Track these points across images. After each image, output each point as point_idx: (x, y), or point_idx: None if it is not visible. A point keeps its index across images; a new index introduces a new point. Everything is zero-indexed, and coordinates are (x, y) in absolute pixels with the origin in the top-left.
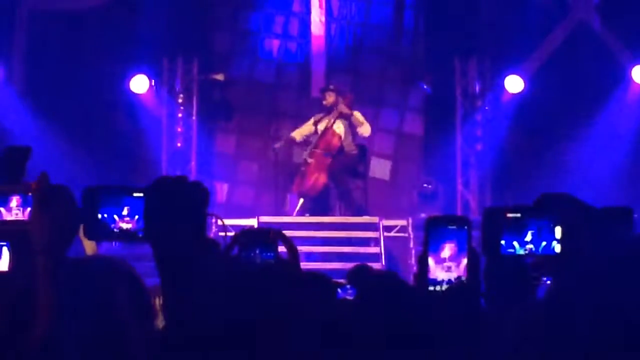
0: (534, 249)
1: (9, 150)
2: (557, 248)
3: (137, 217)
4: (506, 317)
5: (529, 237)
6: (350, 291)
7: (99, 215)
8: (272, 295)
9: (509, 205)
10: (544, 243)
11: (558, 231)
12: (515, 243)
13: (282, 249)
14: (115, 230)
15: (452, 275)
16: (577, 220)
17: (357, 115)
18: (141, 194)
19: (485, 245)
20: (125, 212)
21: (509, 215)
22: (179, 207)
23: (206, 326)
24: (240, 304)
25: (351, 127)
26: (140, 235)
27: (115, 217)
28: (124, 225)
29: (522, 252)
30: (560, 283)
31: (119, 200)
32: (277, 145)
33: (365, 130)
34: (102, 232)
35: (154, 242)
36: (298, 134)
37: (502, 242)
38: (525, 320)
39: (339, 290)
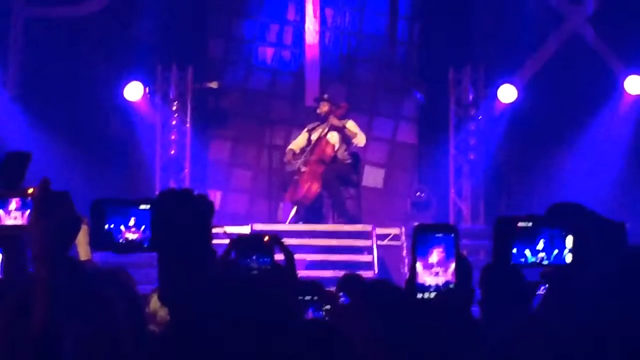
0: (545, 257)
1: (9, 155)
2: (569, 258)
3: (143, 227)
4: (502, 326)
5: (540, 246)
6: (342, 299)
7: (106, 226)
8: (269, 301)
9: (513, 214)
10: (556, 251)
11: (569, 241)
12: (527, 251)
13: (279, 256)
14: (121, 240)
15: (440, 280)
16: (588, 230)
17: (350, 126)
18: (147, 206)
19: (496, 254)
20: (131, 222)
21: (520, 224)
22: (185, 219)
23: (206, 331)
24: (238, 309)
25: (345, 137)
26: (146, 246)
27: (122, 227)
28: (130, 236)
29: (533, 260)
30: (571, 293)
31: (126, 211)
32: (288, 158)
33: (359, 140)
34: (108, 242)
35: (160, 253)
36: (295, 146)
37: (515, 250)
38: (521, 329)
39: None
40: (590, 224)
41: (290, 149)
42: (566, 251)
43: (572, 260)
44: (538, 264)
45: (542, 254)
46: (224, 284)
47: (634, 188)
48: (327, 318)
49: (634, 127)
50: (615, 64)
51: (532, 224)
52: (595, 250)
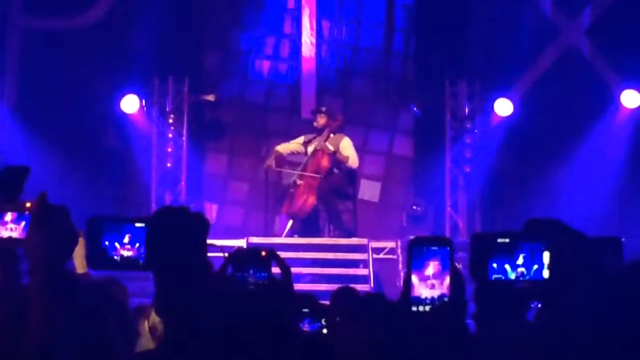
0: (525, 272)
1: (7, 169)
2: (545, 273)
3: (137, 244)
4: (497, 340)
5: (520, 261)
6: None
7: (101, 243)
8: (266, 316)
9: (497, 229)
10: (535, 266)
11: (546, 256)
12: (507, 266)
13: (275, 270)
14: (116, 257)
15: (436, 293)
16: (564, 245)
17: (343, 147)
18: (143, 224)
19: (472, 270)
20: (126, 239)
21: (499, 240)
22: (180, 237)
23: (203, 344)
24: (235, 323)
25: (337, 162)
26: (141, 262)
27: (117, 244)
28: (125, 253)
29: (513, 275)
30: (552, 309)
31: (121, 228)
32: (268, 163)
33: (352, 163)
34: (104, 260)
35: (155, 271)
36: (284, 149)
37: (494, 265)
38: (516, 343)
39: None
40: (566, 239)
41: (278, 151)
42: (545, 266)
43: (549, 276)
44: (518, 280)
45: (521, 269)
46: (221, 299)
47: (630, 201)
48: (324, 330)
49: (630, 140)
50: (612, 78)
51: (510, 240)
52: (572, 266)
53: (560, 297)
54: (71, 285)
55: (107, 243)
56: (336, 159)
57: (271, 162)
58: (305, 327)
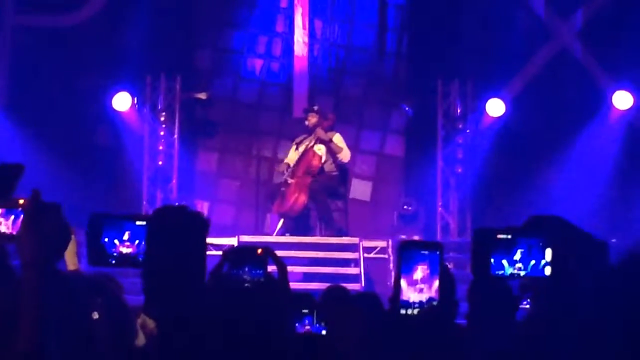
0: (523, 268)
1: (0, 167)
2: (547, 270)
3: (137, 242)
4: (489, 338)
5: (518, 256)
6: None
7: (101, 240)
8: (262, 313)
9: (496, 226)
10: (532, 262)
11: (548, 253)
12: (504, 262)
13: (271, 268)
14: (115, 254)
15: (424, 297)
16: (566, 242)
17: (336, 141)
18: (143, 222)
19: (475, 266)
20: (126, 237)
21: (499, 236)
22: (181, 236)
23: (197, 341)
24: (231, 321)
25: (330, 151)
26: (141, 260)
27: (116, 241)
28: (125, 250)
29: (511, 270)
30: (543, 307)
31: (121, 225)
32: (280, 169)
33: (344, 156)
34: (103, 257)
35: (154, 269)
36: (290, 161)
37: (492, 260)
38: (507, 341)
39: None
40: (568, 236)
41: (286, 162)
42: (543, 262)
43: (551, 273)
44: (516, 275)
45: (519, 264)
46: (217, 296)
47: (620, 203)
48: (323, 332)
49: (622, 142)
50: (603, 79)
51: (511, 237)
52: (573, 262)
53: (562, 294)
54: (60, 283)
55: (106, 240)
56: (331, 148)
57: (284, 168)
58: (307, 327)
